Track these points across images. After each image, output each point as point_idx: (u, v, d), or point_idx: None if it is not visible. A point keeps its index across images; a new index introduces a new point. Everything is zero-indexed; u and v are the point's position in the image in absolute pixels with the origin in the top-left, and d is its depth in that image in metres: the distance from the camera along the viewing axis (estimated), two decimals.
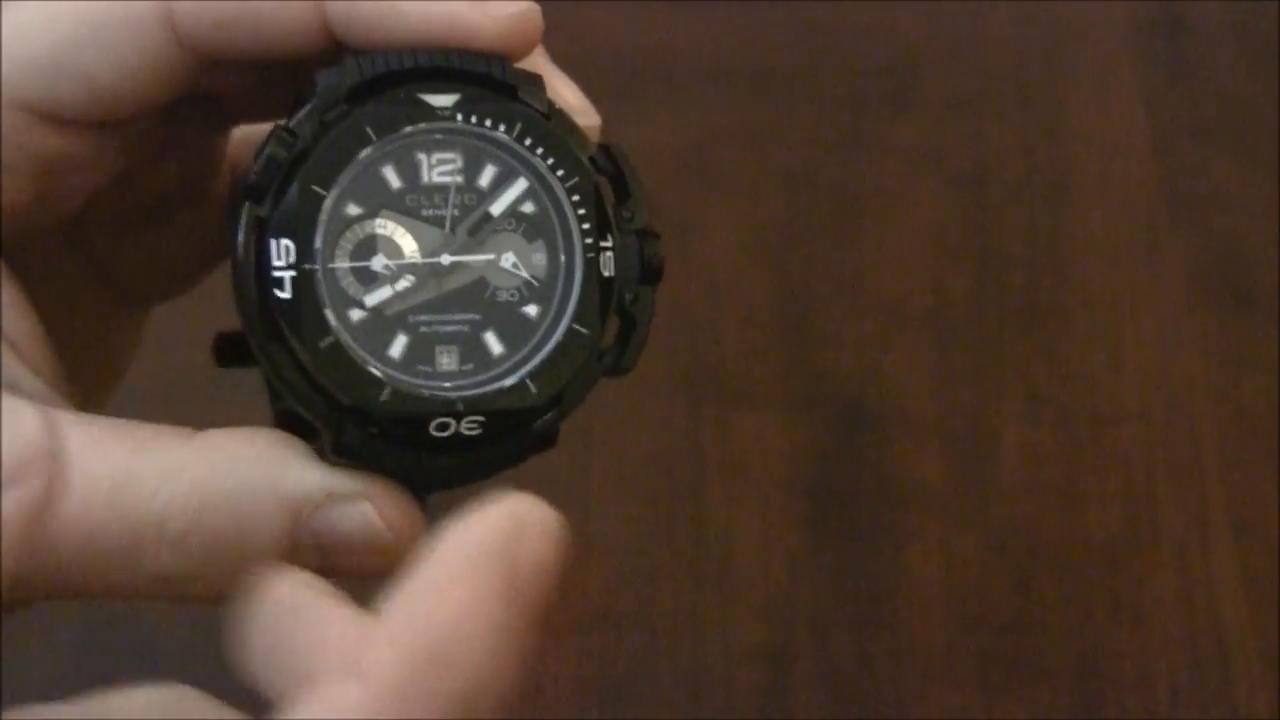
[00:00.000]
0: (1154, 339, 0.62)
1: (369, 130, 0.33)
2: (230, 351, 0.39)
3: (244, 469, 0.32)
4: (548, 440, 0.33)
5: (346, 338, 0.32)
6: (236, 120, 0.38)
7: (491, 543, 0.27)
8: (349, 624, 0.27)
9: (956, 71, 0.68)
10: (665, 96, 0.67)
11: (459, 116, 0.33)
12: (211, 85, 0.35)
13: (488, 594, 0.26)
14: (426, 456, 0.32)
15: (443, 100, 0.33)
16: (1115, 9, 0.70)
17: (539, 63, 0.35)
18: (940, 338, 0.62)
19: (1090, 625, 0.56)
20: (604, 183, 0.35)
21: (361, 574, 0.33)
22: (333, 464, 0.32)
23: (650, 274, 0.35)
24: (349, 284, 0.32)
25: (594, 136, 0.35)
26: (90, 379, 0.39)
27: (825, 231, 0.64)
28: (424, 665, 0.26)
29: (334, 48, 0.33)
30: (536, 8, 0.34)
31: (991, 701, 0.55)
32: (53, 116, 0.33)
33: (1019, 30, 0.69)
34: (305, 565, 0.32)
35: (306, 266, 0.32)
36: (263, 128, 0.38)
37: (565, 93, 0.36)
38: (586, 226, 0.34)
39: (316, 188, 0.32)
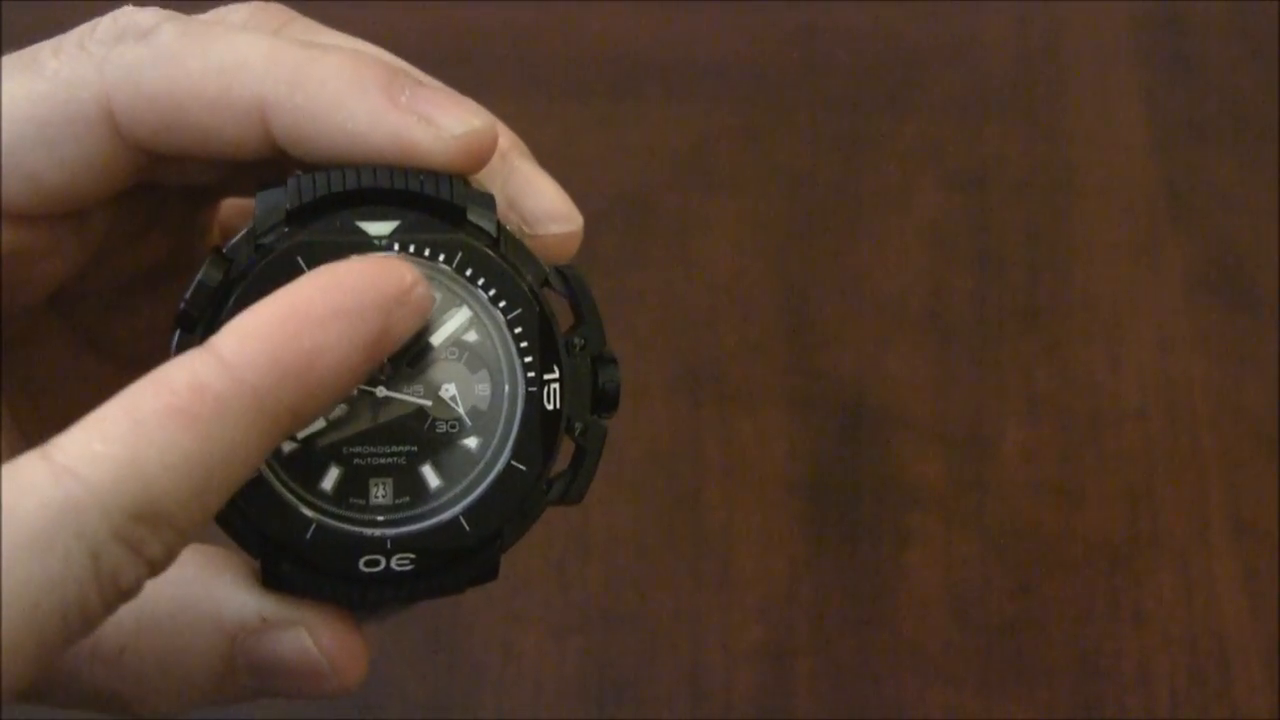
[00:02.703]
0: (1154, 339, 0.62)
1: (300, 261, 0.31)
2: None
3: (180, 590, 0.31)
4: (488, 573, 0.33)
5: (275, 472, 0.31)
6: (219, 196, 0.37)
7: (382, 301, 0.29)
8: None
9: (956, 71, 0.68)
10: (665, 96, 0.67)
11: (396, 246, 0.32)
12: (175, 179, 0.34)
13: (358, 341, 0.29)
14: (359, 591, 0.32)
15: (380, 229, 0.32)
16: (1115, 9, 0.70)
17: (517, 164, 0.34)
18: (940, 338, 0.62)
19: (1090, 625, 0.56)
20: (562, 306, 0.33)
21: (299, 697, 0.32)
22: (272, 587, 0.32)
23: (604, 403, 0.33)
24: None
25: (573, 243, 0.34)
26: None
27: (825, 231, 0.64)
28: (282, 377, 0.28)
29: (284, 155, 0.32)
30: (491, 126, 0.32)
31: (991, 701, 0.55)
32: (4, 213, 0.32)
33: (1019, 30, 0.69)
34: (241, 687, 0.32)
35: None
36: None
37: (546, 197, 0.34)
38: (529, 360, 0.32)
39: None
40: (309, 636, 0.32)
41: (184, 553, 0.31)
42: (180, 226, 0.37)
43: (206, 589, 0.32)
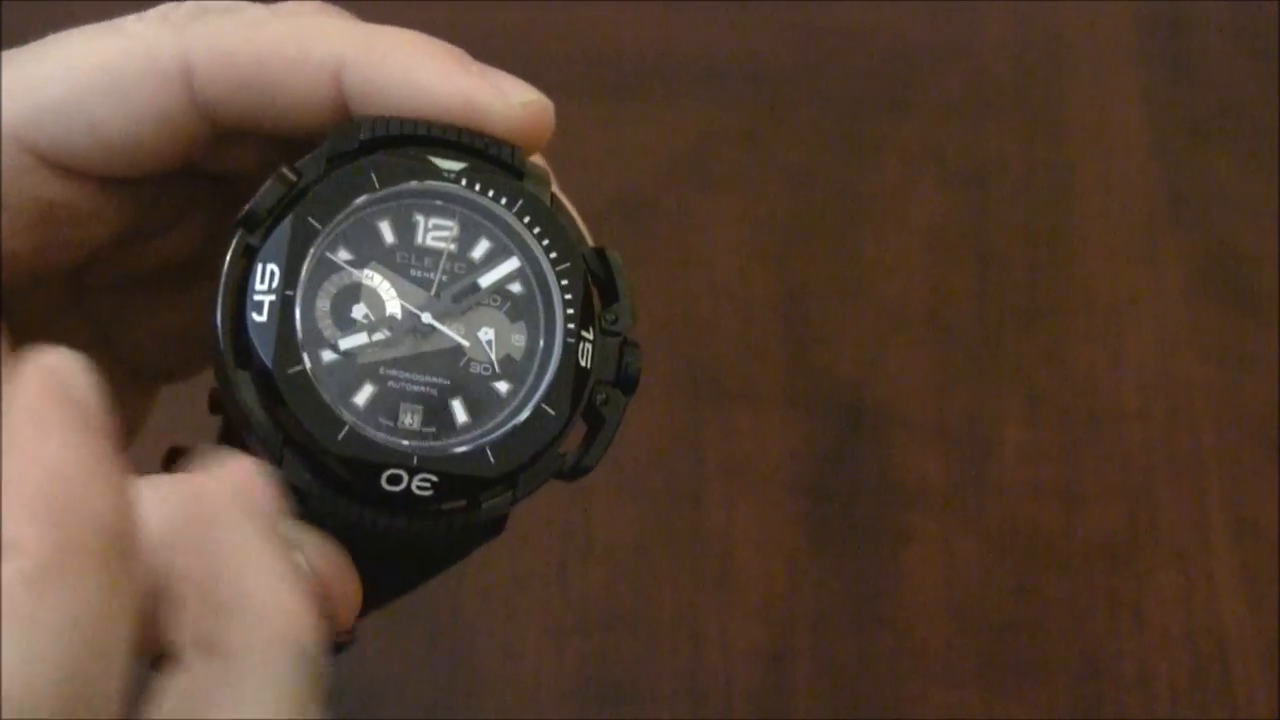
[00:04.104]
0: (1154, 339, 0.62)
1: (373, 177, 0.33)
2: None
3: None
4: (495, 526, 0.33)
5: (317, 376, 0.32)
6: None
7: (53, 392, 0.27)
8: None
9: (956, 71, 0.68)
10: (665, 96, 0.67)
11: (464, 181, 0.33)
12: (222, 164, 0.35)
13: (75, 434, 0.26)
14: (371, 513, 0.32)
15: (450, 165, 0.33)
16: (1115, 9, 0.70)
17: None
18: (940, 338, 0.62)
19: (1090, 625, 0.56)
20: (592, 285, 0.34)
21: None
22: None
23: (626, 382, 0.34)
24: (326, 325, 0.32)
25: None
26: None
27: (825, 231, 0.64)
28: (64, 517, 0.26)
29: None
30: (550, 103, 0.34)
31: (991, 701, 0.55)
32: (57, 164, 0.33)
33: (1019, 30, 0.69)
34: None
35: (288, 293, 0.32)
36: None
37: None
38: (571, 312, 0.33)
39: (313, 220, 0.32)
40: (303, 558, 0.32)
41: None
42: (208, 226, 0.38)
43: None
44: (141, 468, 0.39)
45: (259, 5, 0.34)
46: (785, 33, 0.69)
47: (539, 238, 0.33)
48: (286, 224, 0.32)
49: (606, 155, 0.65)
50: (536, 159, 0.35)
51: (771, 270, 0.63)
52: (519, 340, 0.33)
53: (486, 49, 0.65)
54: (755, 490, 0.58)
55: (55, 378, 0.27)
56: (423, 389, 0.32)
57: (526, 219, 0.33)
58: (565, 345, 0.33)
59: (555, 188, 0.35)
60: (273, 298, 0.32)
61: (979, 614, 0.56)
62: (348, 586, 0.32)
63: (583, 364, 0.33)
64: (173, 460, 0.39)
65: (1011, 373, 0.61)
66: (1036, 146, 0.67)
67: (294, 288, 0.32)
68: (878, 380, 0.61)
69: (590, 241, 0.35)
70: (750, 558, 0.57)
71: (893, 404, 0.60)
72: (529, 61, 0.67)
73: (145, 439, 0.41)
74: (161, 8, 0.34)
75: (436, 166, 0.33)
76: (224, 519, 0.28)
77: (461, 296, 0.33)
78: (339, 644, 0.35)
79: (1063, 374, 0.61)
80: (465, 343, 0.33)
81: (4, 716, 0.25)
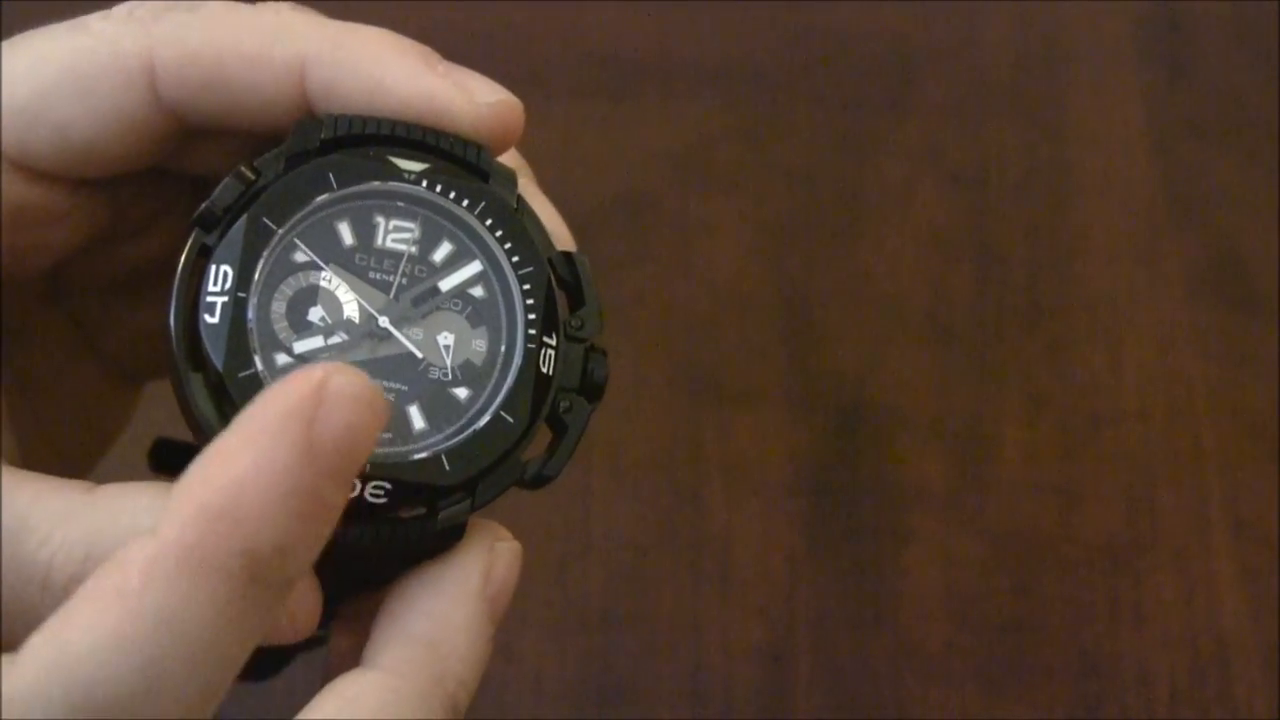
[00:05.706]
0: (1154, 339, 0.62)
1: (331, 177, 0.32)
2: (167, 459, 0.39)
3: (132, 521, 0.31)
4: (453, 534, 0.32)
5: (268, 378, 0.31)
6: None
7: (290, 408, 0.26)
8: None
9: (956, 71, 0.68)
10: (665, 96, 0.67)
11: (425, 183, 0.32)
12: (195, 164, 0.35)
13: (279, 457, 0.26)
14: None
15: (412, 165, 0.32)
16: (1115, 9, 0.70)
17: (524, 183, 0.35)
18: (940, 338, 0.62)
19: (1090, 625, 0.56)
20: (559, 290, 0.34)
21: None
22: None
23: (591, 389, 0.33)
24: (281, 328, 0.31)
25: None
26: (73, 445, 0.38)
27: (825, 231, 0.64)
28: (210, 523, 0.26)
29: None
30: (519, 102, 0.33)
31: (991, 701, 0.55)
32: (26, 166, 0.33)
33: (1019, 30, 0.69)
34: None
35: (241, 295, 0.31)
36: None
37: (546, 221, 0.35)
38: (533, 317, 0.33)
39: (268, 221, 0.32)
40: None
41: (141, 487, 0.31)
42: (184, 226, 0.38)
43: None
44: (127, 462, 0.39)
45: (226, 2, 0.33)
46: (785, 33, 0.69)
47: (501, 241, 0.33)
48: (241, 224, 0.31)
49: (606, 155, 0.65)
50: (508, 159, 0.34)
51: (771, 270, 0.63)
52: (479, 345, 0.32)
53: (487, 49, 0.65)
54: (755, 490, 0.58)
55: (307, 404, 0.26)
56: None
57: (489, 221, 0.33)
58: (526, 351, 0.32)
59: (528, 188, 0.35)
60: (225, 299, 0.31)
61: (979, 614, 0.56)
62: (305, 595, 0.32)
63: (544, 370, 0.33)
64: (159, 453, 0.39)
65: (1011, 373, 0.61)
66: (1036, 146, 0.67)
67: (247, 289, 0.31)
68: (878, 380, 0.61)
69: (573, 244, 0.35)
70: (750, 558, 0.57)
71: (893, 404, 0.60)
72: (529, 61, 0.67)
73: (133, 431, 0.41)
74: (127, 5, 0.33)
75: (397, 167, 0.32)
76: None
77: (421, 300, 0.32)
78: (311, 641, 0.34)
79: (1063, 374, 0.61)
80: (419, 353, 0.32)
81: (74, 685, 0.25)
